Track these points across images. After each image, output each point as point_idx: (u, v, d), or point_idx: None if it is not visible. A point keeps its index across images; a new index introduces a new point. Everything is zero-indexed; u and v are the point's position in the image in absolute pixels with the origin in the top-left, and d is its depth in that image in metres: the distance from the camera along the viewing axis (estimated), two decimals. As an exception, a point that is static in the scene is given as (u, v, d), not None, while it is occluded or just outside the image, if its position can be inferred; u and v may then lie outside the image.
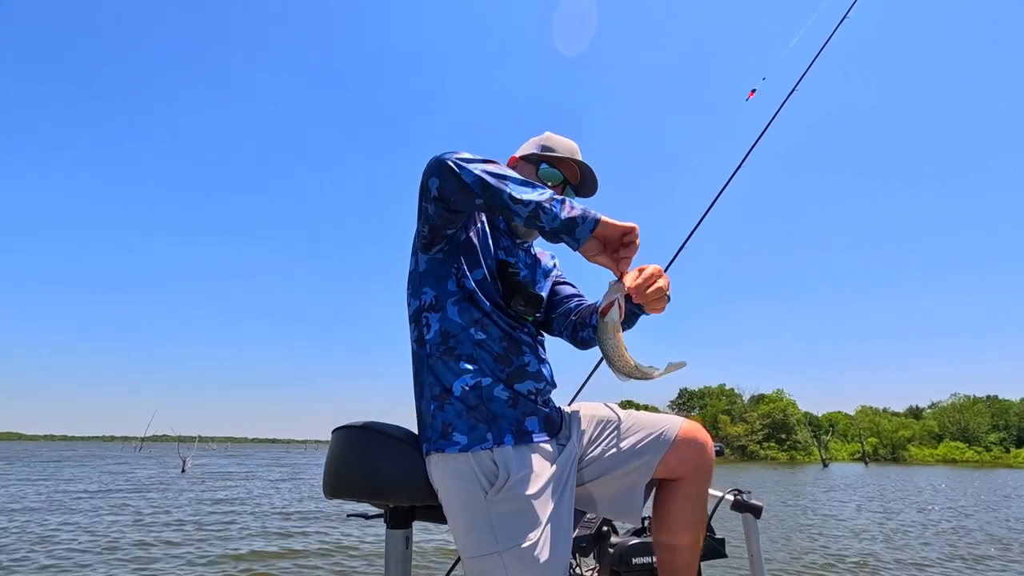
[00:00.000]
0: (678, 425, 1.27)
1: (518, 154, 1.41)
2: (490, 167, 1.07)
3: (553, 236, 1.05)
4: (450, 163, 1.06)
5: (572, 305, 1.44)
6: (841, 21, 2.09)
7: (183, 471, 19.85)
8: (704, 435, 1.27)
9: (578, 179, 1.39)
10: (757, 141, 1.88)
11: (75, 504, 9.64)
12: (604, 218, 1.03)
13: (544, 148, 1.38)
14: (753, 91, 2.04)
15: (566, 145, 1.39)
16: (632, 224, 1.04)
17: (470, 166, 1.06)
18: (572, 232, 1.03)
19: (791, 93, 1.98)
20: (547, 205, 1.02)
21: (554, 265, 1.51)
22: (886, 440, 67.49)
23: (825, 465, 47.84)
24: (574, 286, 1.50)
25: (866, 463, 58.38)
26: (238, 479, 16.97)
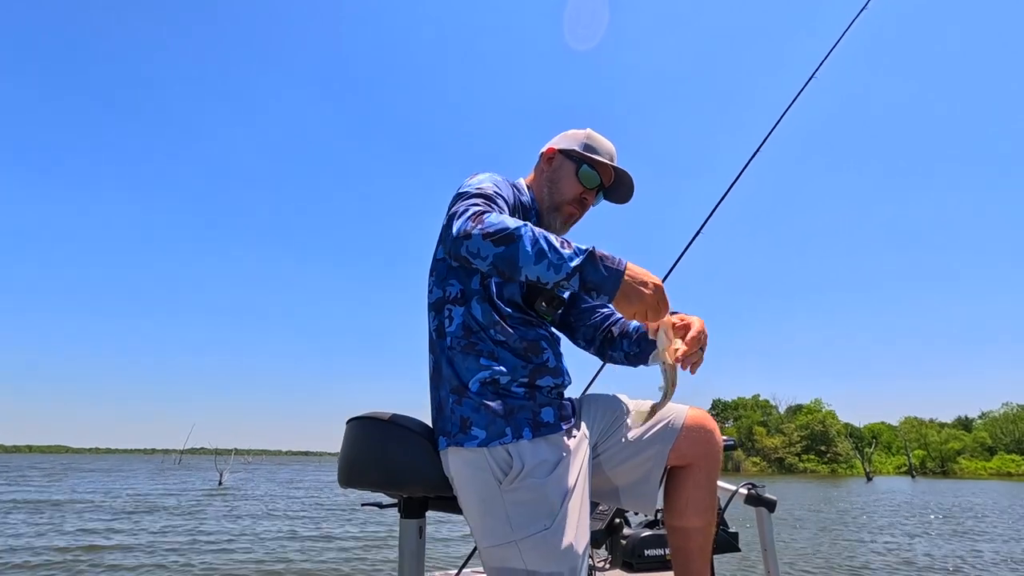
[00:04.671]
0: (685, 413, 1.28)
1: (557, 147, 1.40)
2: (498, 238, 1.05)
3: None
4: (463, 254, 1.09)
5: (598, 319, 1.45)
6: (861, 10, 2.05)
7: (220, 483, 20.31)
8: (711, 422, 1.28)
9: (611, 183, 1.40)
10: (766, 138, 1.87)
11: (119, 521, 9.99)
12: (628, 272, 1.05)
13: (586, 147, 1.37)
14: None
15: (607, 148, 1.38)
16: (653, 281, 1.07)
17: (481, 255, 1.07)
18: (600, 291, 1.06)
19: (806, 84, 1.97)
20: (565, 274, 1.04)
21: None
22: (934, 453, 64.41)
23: (869, 479, 45.97)
24: None
25: (913, 476, 55.84)
26: (274, 492, 17.28)
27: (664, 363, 1.15)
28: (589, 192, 1.37)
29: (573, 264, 1.03)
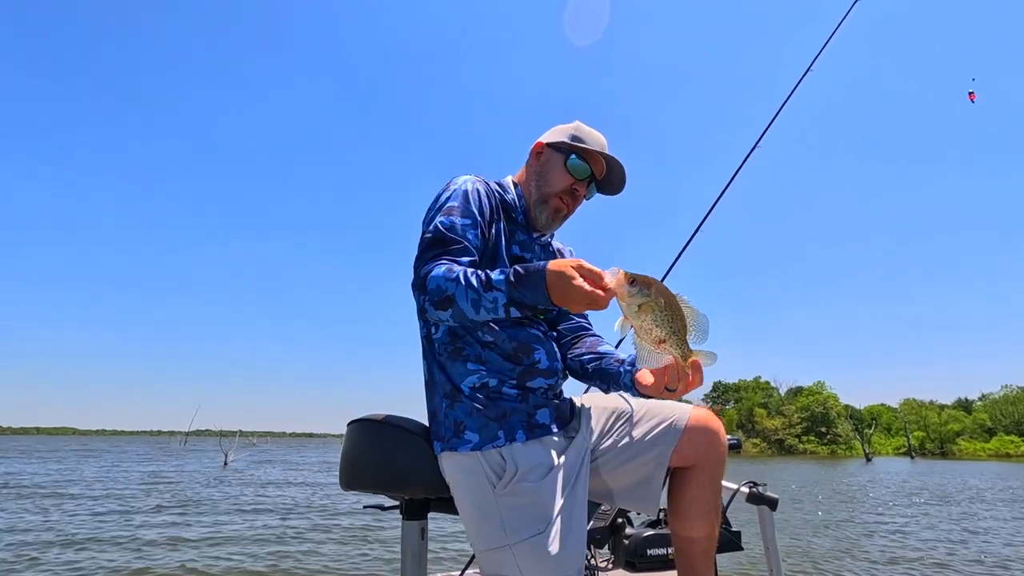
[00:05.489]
0: (688, 413, 1.26)
1: (545, 140, 1.37)
2: (441, 304, 1.08)
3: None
4: (433, 322, 1.15)
5: (570, 325, 1.42)
6: (853, 4, 2.01)
7: (225, 465, 20.57)
8: (715, 422, 1.26)
9: (603, 175, 1.37)
10: (770, 124, 1.85)
11: (132, 503, 10.12)
12: (549, 271, 1.00)
13: (574, 138, 1.33)
14: (972, 93, 1.95)
15: (596, 138, 1.34)
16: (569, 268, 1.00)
17: (442, 320, 1.11)
18: (535, 307, 1.05)
19: (805, 74, 1.94)
20: (503, 311, 1.05)
21: None
22: (933, 434, 64.94)
23: (868, 460, 46.47)
24: None
25: (912, 457, 56.40)
26: (280, 475, 17.50)
27: (636, 337, 1.05)
28: (580, 184, 1.33)
29: (501, 304, 1.04)
